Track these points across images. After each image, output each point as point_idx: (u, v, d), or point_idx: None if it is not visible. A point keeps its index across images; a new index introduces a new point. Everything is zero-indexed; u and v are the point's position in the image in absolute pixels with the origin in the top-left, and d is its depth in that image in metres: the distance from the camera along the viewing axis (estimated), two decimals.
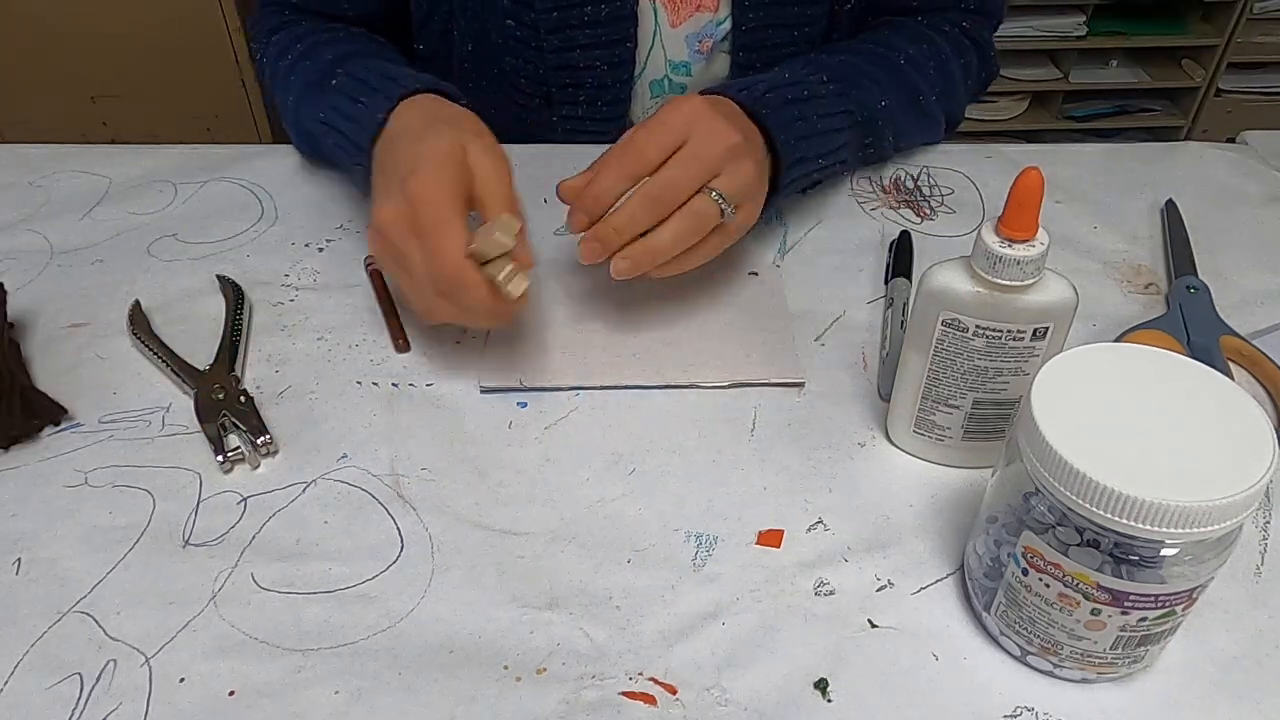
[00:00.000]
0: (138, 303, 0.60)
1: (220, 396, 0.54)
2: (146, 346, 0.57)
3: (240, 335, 0.58)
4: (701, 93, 0.59)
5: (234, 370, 0.56)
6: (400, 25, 0.81)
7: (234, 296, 0.60)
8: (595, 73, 0.74)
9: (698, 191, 0.53)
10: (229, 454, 0.51)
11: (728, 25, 0.74)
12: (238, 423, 0.52)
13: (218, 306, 0.61)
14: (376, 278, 0.63)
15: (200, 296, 0.62)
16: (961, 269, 0.45)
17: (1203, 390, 0.38)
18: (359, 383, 0.56)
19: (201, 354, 0.57)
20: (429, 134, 0.54)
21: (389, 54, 0.71)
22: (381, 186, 0.55)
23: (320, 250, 0.67)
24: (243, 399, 0.54)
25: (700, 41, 0.75)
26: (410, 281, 0.52)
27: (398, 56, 0.72)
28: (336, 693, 0.42)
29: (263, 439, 0.52)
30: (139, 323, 0.59)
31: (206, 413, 0.53)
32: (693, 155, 0.53)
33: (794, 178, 0.62)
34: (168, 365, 0.56)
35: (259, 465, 0.51)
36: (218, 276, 0.63)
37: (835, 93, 0.65)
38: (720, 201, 0.54)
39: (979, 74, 0.80)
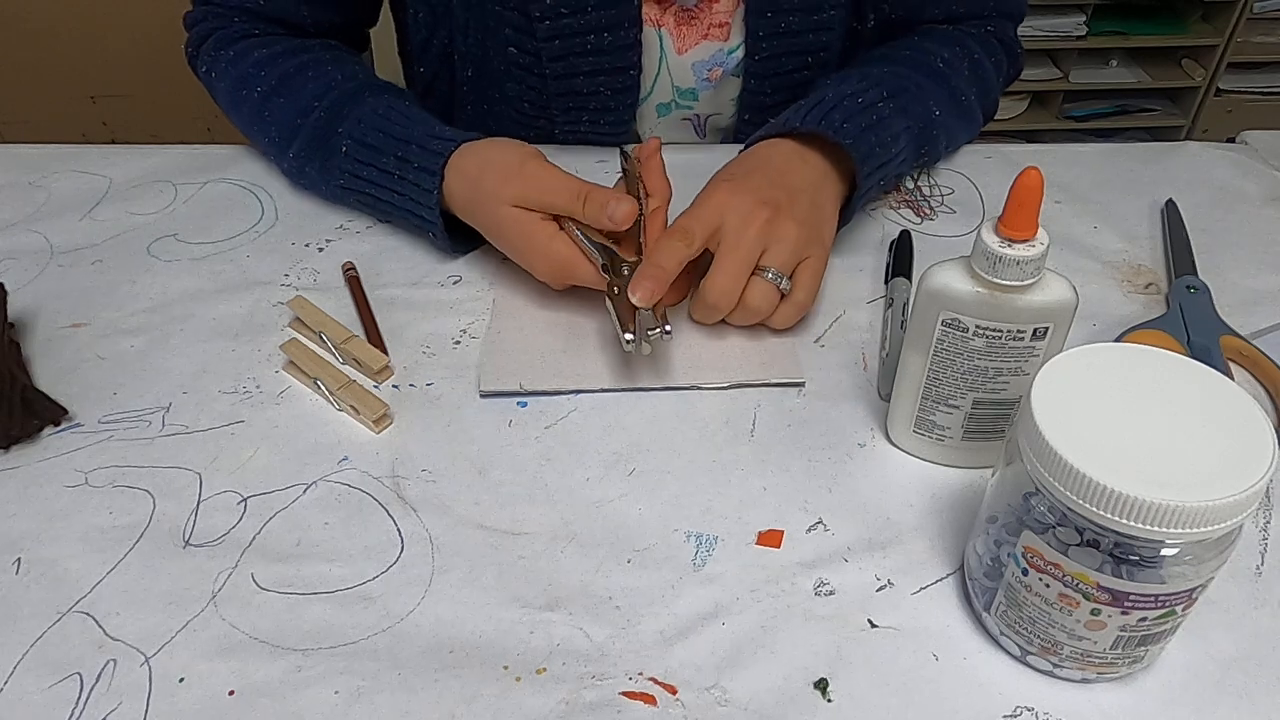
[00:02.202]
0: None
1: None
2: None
3: None
4: (771, 130, 0.64)
5: None
6: (358, 35, 0.81)
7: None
8: (599, 98, 0.74)
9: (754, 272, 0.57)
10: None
11: (740, 54, 0.73)
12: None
13: (217, 307, 0.61)
14: (354, 284, 0.62)
15: (200, 296, 0.62)
16: (961, 269, 0.45)
17: (1203, 390, 0.38)
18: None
19: (198, 355, 0.57)
20: (496, 227, 0.60)
21: (363, 77, 0.70)
22: (512, 253, 0.61)
23: (320, 250, 0.67)
24: None
25: (710, 70, 0.74)
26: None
27: (366, 71, 0.71)
28: (336, 693, 0.42)
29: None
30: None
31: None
32: (733, 248, 0.57)
33: (861, 204, 0.65)
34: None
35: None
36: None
37: (896, 109, 0.66)
38: (774, 277, 0.57)
39: (1007, 71, 0.81)
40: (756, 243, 0.57)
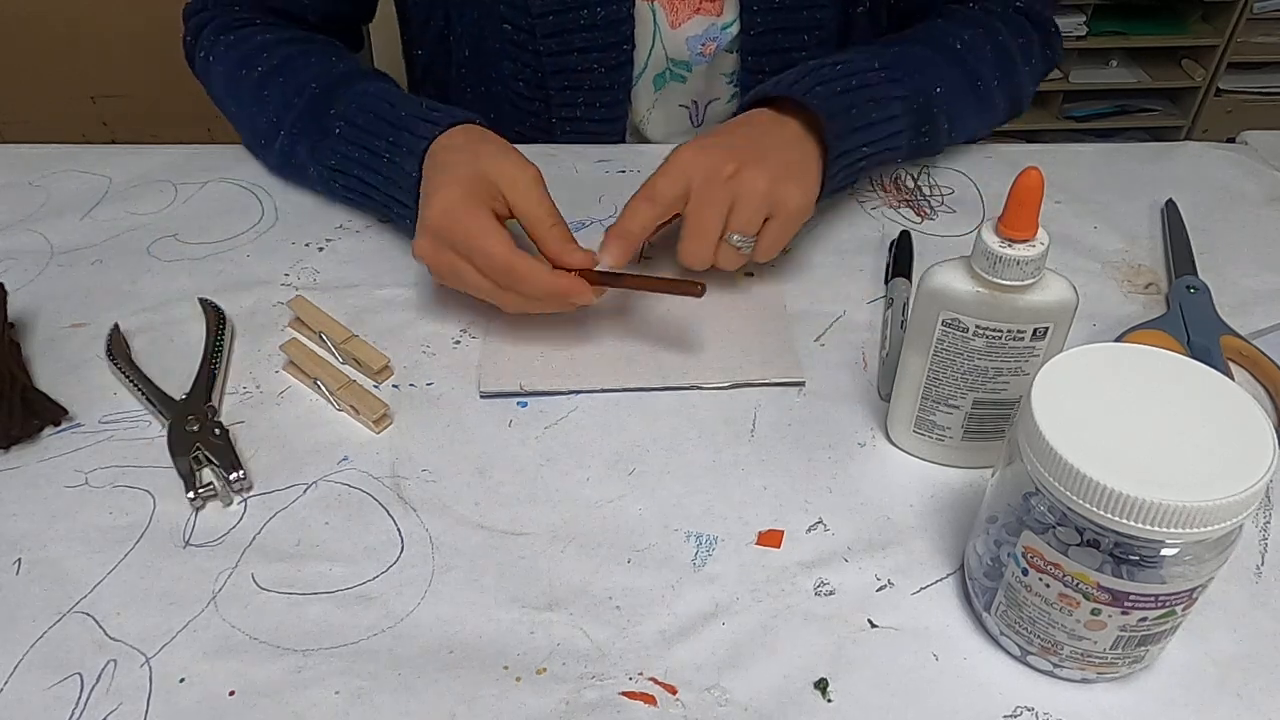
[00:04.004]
0: (116, 326, 0.58)
1: (195, 429, 0.52)
2: (124, 374, 0.55)
3: (219, 362, 0.56)
4: (748, 99, 0.64)
5: (210, 400, 0.54)
6: (354, 29, 0.81)
7: (215, 321, 0.58)
8: (593, 75, 0.74)
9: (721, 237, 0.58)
10: (200, 490, 0.49)
11: (735, 29, 0.74)
12: (211, 457, 0.50)
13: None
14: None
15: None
16: (961, 269, 0.45)
17: (1203, 390, 0.38)
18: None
19: (198, 355, 0.57)
20: (449, 168, 0.57)
21: (363, 67, 0.69)
22: (425, 196, 0.57)
23: (320, 250, 0.67)
24: (217, 431, 0.51)
25: (704, 44, 0.74)
26: (476, 288, 0.55)
27: (359, 60, 0.71)
28: (336, 693, 0.42)
29: (235, 475, 0.49)
30: (117, 347, 0.57)
31: (179, 446, 0.51)
32: (699, 212, 0.57)
33: (840, 168, 0.63)
34: (143, 394, 0.54)
35: (231, 502, 0.49)
36: (199, 300, 0.61)
37: (889, 78, 0.65)
38: (739, 243, 0.58)
39: (1042, 52, 0.77)
40: (722, 203, 0.57)
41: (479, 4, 0.73)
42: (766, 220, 0.58)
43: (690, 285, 0.54)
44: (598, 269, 0.56)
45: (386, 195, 0.63)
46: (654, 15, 0.73)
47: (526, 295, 0.55)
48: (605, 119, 0.77)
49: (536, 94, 0.76)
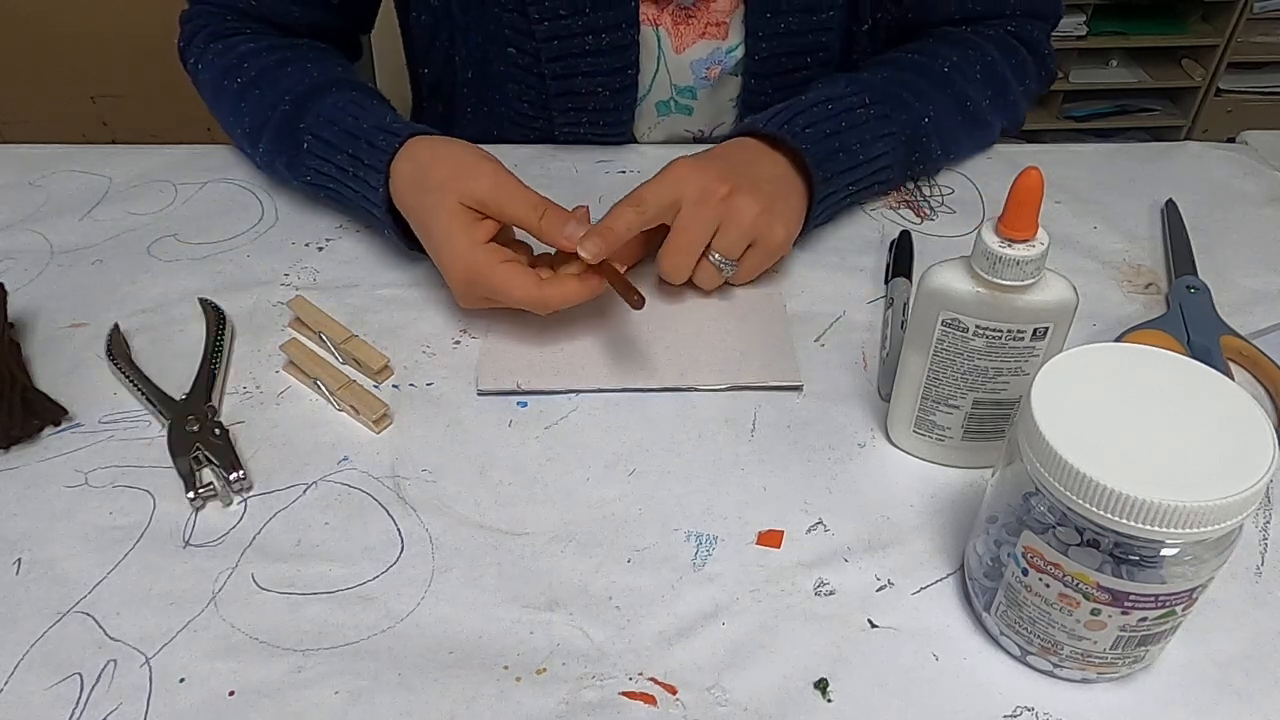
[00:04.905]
0: (116, 326, 0.59)
1: (195, 429, 0.52)
2: (124, 374, 0.55)
3: (219, 362, 0.56)
4: (740, 130, 0.65)
5: (210, 400, 0.54)
6: (352, 41, 0.81)
7: (215, 321, 0.59)
8: (598, 98, 0.74)
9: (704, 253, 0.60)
10: (200, 490, 0.49)
11: (739, 53, 0.73)
12: (211, 457, 0.50)
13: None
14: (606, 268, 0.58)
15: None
16: (961, 269, 0.45)
17: (1203, 390, 0.38)
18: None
19: (198, 355, 0.57)
20: (431, 212, 0.57)
21: (339, 73, 0.69)
22: (431, 252, 0.59)
23: (320, 250, 0.67)
24: (217, 431, 0.51)
25: (708, 68, 0.74)
26: (513, 305, 0.57)
27: (346, 69, 0.71)
28: (336, 693, 0.42)
29: (235, 475, 0.49)
30: (117, 347, 0.57)
31: (179, 446, 0.51)
32: (686, 227, 0.59)
33: (825, 208, 0.65)
34: (143, 394, 0.54)
35: (231, 502, 0.49)
36: (199, 300, 0.61)
37: (878, 115, 0.66)
38: (721, 264, 0.60)
39: (1037, 74, 0.78)
40: (710, 221, 0.59)
41: (483, 28, 0.73)
42: (749, 247, 0.60)
43: (632, 295, 0.54)
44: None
45: (360, 207, 0.63)
46: (658, 40, 0.73)
47: (561, 306, 0.56)
48: (608, 135, 0.77)
49: (540, 114, 0.76)
